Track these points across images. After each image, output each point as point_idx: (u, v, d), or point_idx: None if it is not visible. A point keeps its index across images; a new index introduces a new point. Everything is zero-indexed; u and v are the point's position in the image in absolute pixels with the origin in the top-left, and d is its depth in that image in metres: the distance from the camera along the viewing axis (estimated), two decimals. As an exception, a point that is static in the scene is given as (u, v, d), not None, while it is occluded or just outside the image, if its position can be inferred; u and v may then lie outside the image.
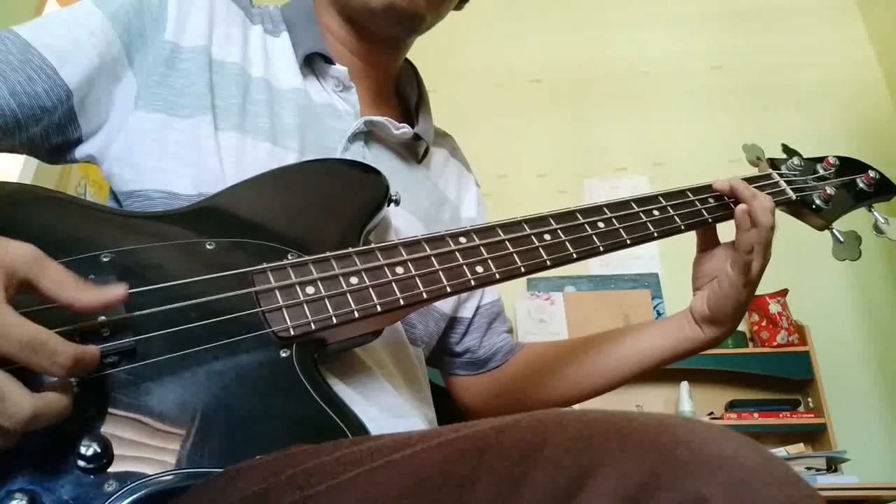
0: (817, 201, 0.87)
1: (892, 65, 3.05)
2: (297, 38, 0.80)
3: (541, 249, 0.68)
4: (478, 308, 0.93)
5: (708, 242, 0.83)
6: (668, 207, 0.78)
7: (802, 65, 3.11)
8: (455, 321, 0.91)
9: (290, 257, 0.60)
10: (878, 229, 0.89)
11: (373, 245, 0.62)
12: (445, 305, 0.86)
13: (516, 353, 0.94)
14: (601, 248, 0.72)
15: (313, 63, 0.80)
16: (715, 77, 3.17)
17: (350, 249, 0.61)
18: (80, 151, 0.69)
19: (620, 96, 3.18)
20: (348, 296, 0.58)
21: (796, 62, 3.12)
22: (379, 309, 0.59)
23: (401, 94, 0.92)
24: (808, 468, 2.26)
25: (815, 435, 2.49)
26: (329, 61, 0.79)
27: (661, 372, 2.56)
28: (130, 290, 0.52)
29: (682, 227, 0.78)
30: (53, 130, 0.66)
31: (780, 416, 2.48)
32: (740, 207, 0.77)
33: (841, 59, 3.12)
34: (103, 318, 0.50)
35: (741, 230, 0.76)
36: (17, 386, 0.40)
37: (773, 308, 2.60)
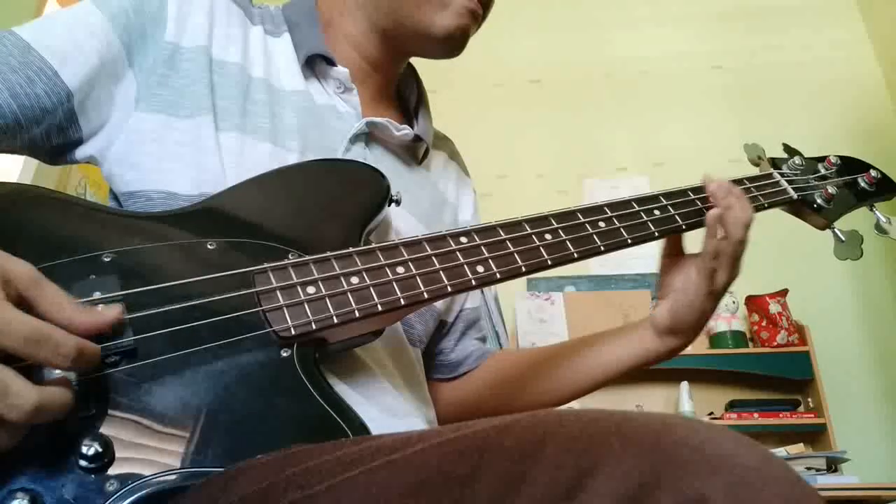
0: (819, 200, 0.87)
1: (892, 65, 3.05)
2: (298, 38, 0.80)
3: (542, 249, 0.68)
4: (460, 311, 0.93)
5: (673, 248, 0.81)
6: (669, 207, 0.78)
7: (802, 65, 3.11)
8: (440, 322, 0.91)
9: (290, 257, 0.60)
10: (879, 229, 0.89)
11: (373, 245, 0.62)
12: (439, 304, 0.86)
13: (486, 358, 0.93)
14: (602, 248, 0.72)
15: (314, 64, 0.80)
16: (715, 77, 3.17)
17: (351, 249, 0.61)
18: (81, 152, 0.69)
19: (620, 96, 3.18)
20: (349, 295, 0.58)
21: (796, 62, 3.12)
22: (380, 308, 0.59)
23: (400, 94, 0.92)
24: (808, 468, 2.26)
25: (815, 435, 2.49)
26: (330, 62, 0.79)
27: (661, 372, 2.58)
28: (131, 290, 0.52)
29: (684, 227, 0.78)
30: (54, 131, 0.66)
31: (780, 416, 2.47)
32: (713, 212, 0.74)
33: (841, 59, 3.12)
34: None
35: (709, 236, 0.74)
36: (21, 378, 0.40)
37: (773, 308, 2.59)
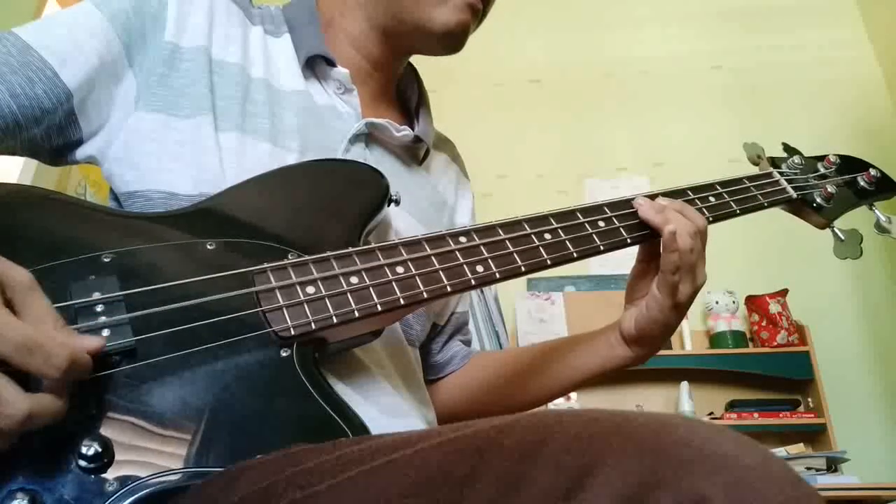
0: (818, 199, 0.87)
1: (892, 65, 3.05)
2: (298, 39, 0.80)
3: (541, 249, 0.69)
4: (451, 315, 0.93)
5: (648, 254, 0.79)
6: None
7: (802, 65, 3.12)
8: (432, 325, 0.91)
9: (290, 257, 0.60)
10: (879, 227, 0.89)
11: (373, 245, 0.62)
12: (437, 304, 0.86)
13: (469, 359, 0.93)
14: (601, 248, 0.72)
15: (314, 64, 0.80)
16: (715, 77, 3.17)
17: (350, 249, 0.61)
18: (81, 152, 0.69)
19: (620, 96, 3.18)
20: (348, 295, 0.58)
21: (796, 62, 3.13)
22: (379, 308, 0.59)
23: (401, 94, 0.92)
24: (808, 468, 2.26)
25: (815, 435, 2.49)
26: (331, 63, 0.79)
27: (661, 372, 2.58)
28: (131, 291, 0.52)
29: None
30: (54, 132, 0.66)
31: (780, 416, 2.47)
32: (669, 227, 0.73)
33: (841, 59, 3.12)
34: (104, 318, 0.50)
35: (665, 250, 0.73)
36: (13, 386, 0.40)
37: (773, 308, 2.59)
